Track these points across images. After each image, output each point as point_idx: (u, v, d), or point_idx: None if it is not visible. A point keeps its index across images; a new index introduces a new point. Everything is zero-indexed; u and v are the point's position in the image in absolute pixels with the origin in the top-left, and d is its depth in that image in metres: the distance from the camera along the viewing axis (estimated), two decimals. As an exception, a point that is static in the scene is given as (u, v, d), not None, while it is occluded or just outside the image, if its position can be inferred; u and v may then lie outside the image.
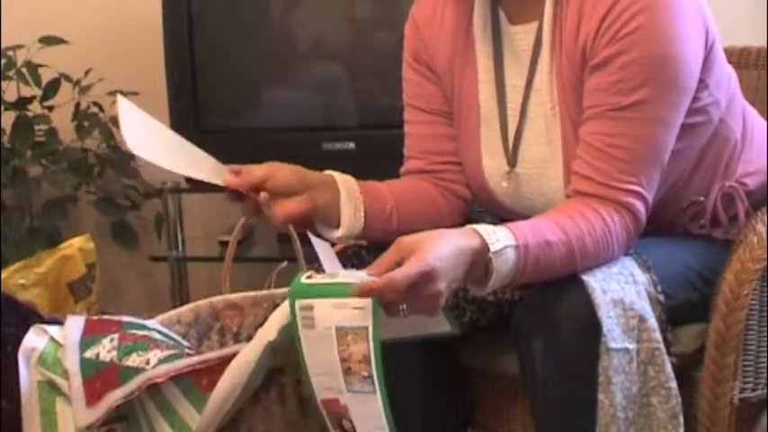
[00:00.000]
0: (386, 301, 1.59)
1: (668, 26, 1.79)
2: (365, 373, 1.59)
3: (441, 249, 1.64)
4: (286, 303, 1.68)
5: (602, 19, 1.80)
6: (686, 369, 1.88)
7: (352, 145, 2.92)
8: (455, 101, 2.00)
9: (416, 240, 1.65)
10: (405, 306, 1.61)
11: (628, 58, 1.79)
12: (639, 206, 1.81)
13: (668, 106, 1.81)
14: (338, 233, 1.91)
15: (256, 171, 1.83)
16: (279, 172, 1.85)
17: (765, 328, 1.91)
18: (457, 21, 1.98)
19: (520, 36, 1.92)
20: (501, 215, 2.03)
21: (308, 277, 1.65)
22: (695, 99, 1.86)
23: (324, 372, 1.62)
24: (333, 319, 1.60)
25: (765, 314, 1.91)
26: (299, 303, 1.62)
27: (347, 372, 1.60)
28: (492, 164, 1.97)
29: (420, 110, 2.04)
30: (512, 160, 1.94)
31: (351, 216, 1.91)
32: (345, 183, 1.93)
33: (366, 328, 1.59)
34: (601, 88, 1.81)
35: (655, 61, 1.79)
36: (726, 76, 1.95)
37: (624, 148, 1.80)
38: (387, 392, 1.60)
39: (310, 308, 1.62)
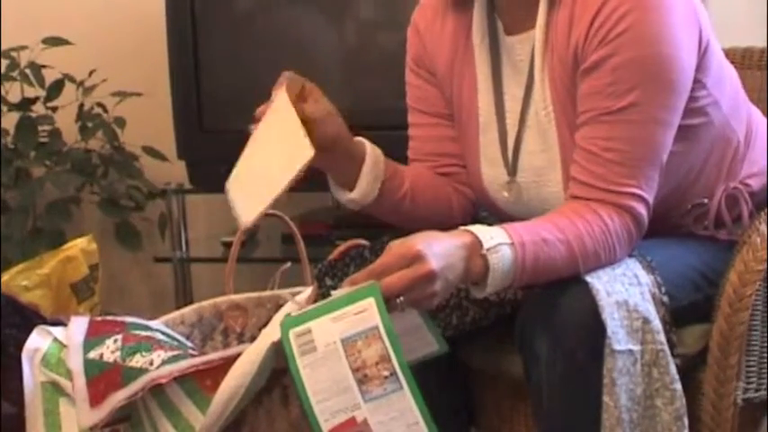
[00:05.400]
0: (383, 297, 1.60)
1: (658, 26, 1.79)
2: (386, 373, 1.57)
3: (429, 239, 1.67)
4: (289, 304, 1.68)
5: (590, 22, 1.80)
6: (690, 370, 1.88)
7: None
8: (455, 107, 2.01)
9: (405, 238, 1.68)
10: (401, 299, 1.62)
11: (618, 61, 1.79)
12: (640, 208, 1.81)
13: (662, 106, 1.81)
14: (351, 195, 1.92)
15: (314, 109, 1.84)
16: (329, 121, 1.86)
17: (768, 329, 1.92)
18: (456, 28, 1.99)
19: (516, 46, 1.92)
20: (503, 220, 2.03)
21: (298, 311, 1.65)
22: (693, 99, 1.86)
23: (331, 394, 1.58)
24: (335, 333, 1.58)
25: (768, 314, 1.91)
26: (293, 333, 1.60)
27: (363, 380, 1.57)
28: (491, 172, 1.98)
29: (423, 113, 2.05)
30: (512, 170, 1.95)
31: (369, 183, 1.92)
32: (374, 150, 1.94)
33: (376, 327, 1.57)
34: (593, 92, 1.81)
35: (646, 62, 1.79)
36: (726, 77, 1.95)
37: (620, 151, 1.80)
38: (417, 384, 1.57)
39: (307, 332, 1.60)
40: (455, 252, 1.68)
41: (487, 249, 1.70)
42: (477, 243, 1.70)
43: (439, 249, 1.65)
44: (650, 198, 1.82)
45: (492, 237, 1.71)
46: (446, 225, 1.95)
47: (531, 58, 1.90)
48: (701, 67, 1.86)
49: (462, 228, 1.73)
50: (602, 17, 1.79)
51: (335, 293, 1.65)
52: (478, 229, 1.71)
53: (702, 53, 1.86)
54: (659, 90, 1.80)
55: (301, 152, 1.75)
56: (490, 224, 1.76)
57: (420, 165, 2.05)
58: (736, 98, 1.99)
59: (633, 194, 1.80)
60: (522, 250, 1.72)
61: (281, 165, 1.77)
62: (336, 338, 1.58)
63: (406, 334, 1.65)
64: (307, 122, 1.80)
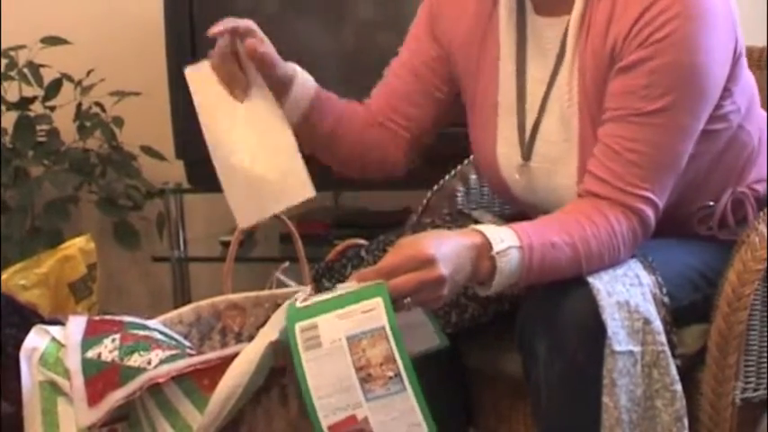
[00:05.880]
0: (391, 297, 1.60)
1: (699, 35, 1.79)
2: (390, 374, 1.57)
3: (439, 239, 1.67)
4: (288, 303, 1.67)
5: (634, 21, 1.80)
6: (688, 369, 1.88)
7: (353, 145, 2.92)
8: (471, 85, 1.99)
9: (415, 237, 1.68)
10: (409, 299, 1.62)
11: (656, 64, 1.78)
12: (650, 212, 1.81)
13: (690, 115, 1.81)
14: None
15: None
16: (278, 59, 1.90)
17: (767, 328, 1.91)
18: (480, 4, 1.97)
19: (546, 29, 1.91)
20: (511, 203, 2.03)
21: (304, 300, 1.65)
22: (718, 107, 1.86)
23: (333, 391, 1.58)
24: (341, 330, 1.58)
25: (767, 314, 1.91)
26: (299, 326, 1.60)
27: (366, 379, 1.57)
28: (507, 153, 1.97)
29: (406, 65, 2.05)
30: (526, 154, 1.94)
31: (289, 110, 1.92)
32: (303, 77, 1.96)
33: (383, 328, 1.57)
34: (626, 91, 1.80)
35: (682, 70, 1.79)
36: (748, 83, 1.95)
37: (642, 154, 1.79)
38: (419, 385, 1.58)
39: (313, 327, 1.60)
40: (464, 253, 1.68)
41: (497, 253, 1.70)
42: (486, 245, 1.70)
43: (448, 252, 1.65)
44: (661, 204, 1.82)
45: (502, 239, 1.71)
46: (372, 171, 1.98)
47: (561, 44, 1.89)
48: (731, 75, 1.87)
49: (472, 227, 1.73)
50: (647, 18, 1.79)
51: (342, 287, 1.65)
52: (488, 230, 1.71)
53: (734, 62, 1.87)
54: (690, 98, 1.80)
55: (301, 189, 1.80)
56: (488, 221, 1.76)
57: (368, 108, 2.06)
58: (753, 102, 1.98)
59: (646, 198, 1.80)
60: (529, 253, 1.72)
61: (276, 182, 1.82)
62: (342, 336, 1.58)
63: (408, 328, 1.65)
64: (265, 66, 1.85)
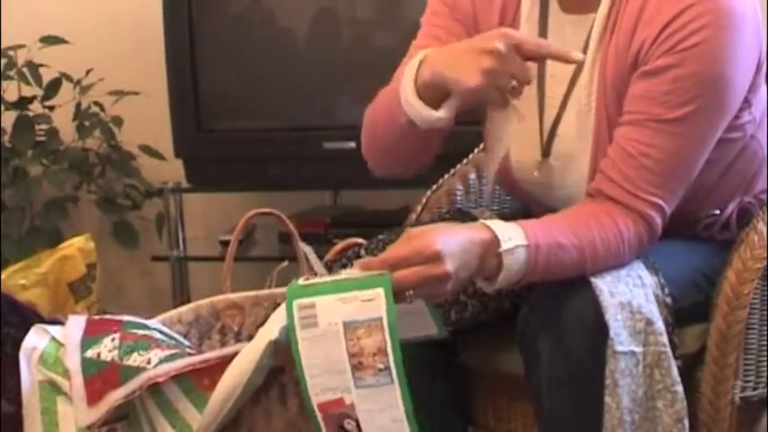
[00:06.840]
0: (394, 289, 1.60)
1: (727, 48, 1.78)
2: (381, 365, 1.58)
3: (447, 235, 1.66)
4: (291, 281, 1.67)
5: (663, 27, 1.78)
6: (688, 368, 1.88)
7: (352, 145, 2.92)
8: None
9: (423, 230, 1.68)
10: (411, 292, 1.62)
11: (681, 72, 1.77)
12: (658, 219, 1.81)
13: (709, 126, 1.81)
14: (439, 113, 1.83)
15: None
16: None
17: (766, 327, 1.91)
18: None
19: (570, 26, 1.90)
20: (519, 200, 2.02)
21: (306, 279, 1.65)
22: (736, 117, 1.86)
23: (324, 371, 1.60)
24: (339, 314, 1.59)
25: (766, 313, 1.91)
26: (297, 303, 1.61)
27: (357, 367, 1.59)
28: (522, 151, 1.95)
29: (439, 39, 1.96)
30: (545, 150, 1.93)
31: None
32: None
33: (380, 319, 1.58)
34: (648, 96, 1.79)
35: (707, 80, 1.78)
36: (764, 93, 1.95)
37: (657, 160, 1.79)
38: (408, 382, 1.59)
39: (311, 306, 1.61)
40: (471, 249, 1.68)
41: (504, 250, 1.70)
42: (494, 241, 1.70)
43: (456, 248, 1.65)
44: (669, 210, 1.82)
45: (510, 237, 1.70)
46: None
47: (585, 42, 1.87)
48: (751, 87, 1.86)
49: (481, 221, 1.73)
50: (677, 25, 1.78)
51: (345, 272, 1.66)
52: (497, 227, 1.71)
53: (755, 72, 1.86)
54: (711, 110, 1.80)
55: None
56: (486, 217, 1.74)
57: None
58: (765, 112, 1.97)
59: (655, 204, 1.80)
60: (536, 252, 1.71)
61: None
62: (339, 320, 1.59)
63: (406, 313, 1.66)
64: None
